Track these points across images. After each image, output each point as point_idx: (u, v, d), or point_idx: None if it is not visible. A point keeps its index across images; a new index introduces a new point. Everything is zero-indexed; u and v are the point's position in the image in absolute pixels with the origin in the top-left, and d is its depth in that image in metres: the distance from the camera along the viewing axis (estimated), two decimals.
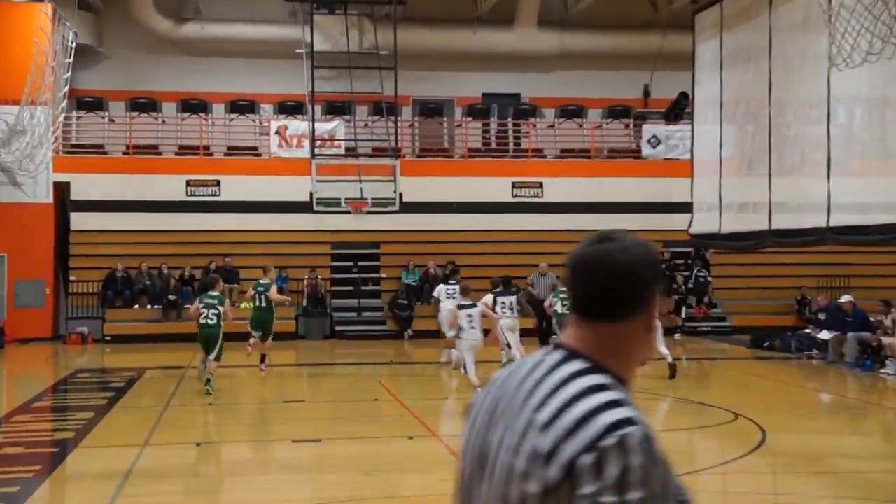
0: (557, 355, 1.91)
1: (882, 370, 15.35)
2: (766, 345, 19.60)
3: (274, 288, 15.70)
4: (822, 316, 18.20)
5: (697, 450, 10.15)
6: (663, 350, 14.40)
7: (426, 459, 9.10)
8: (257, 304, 15.29)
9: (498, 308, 14.56)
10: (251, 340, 15.47)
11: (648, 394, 13.76)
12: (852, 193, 15.21)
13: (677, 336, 22.17)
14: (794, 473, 8.77)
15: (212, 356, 13.31)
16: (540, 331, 20.63)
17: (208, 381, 13.24)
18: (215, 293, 13.62)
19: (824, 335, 17.62)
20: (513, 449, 1.80)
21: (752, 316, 23.12)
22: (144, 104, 24.91)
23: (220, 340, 13.34)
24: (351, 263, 23.58)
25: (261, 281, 15.62)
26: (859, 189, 15.20)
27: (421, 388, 15.15)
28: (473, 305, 13.18)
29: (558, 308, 15.45)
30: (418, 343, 20.24)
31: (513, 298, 15.03)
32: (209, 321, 13.27)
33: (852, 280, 22.36)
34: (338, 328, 22.04)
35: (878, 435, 11.16)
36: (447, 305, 15.91)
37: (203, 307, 13.34)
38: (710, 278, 23.66)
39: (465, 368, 13.32)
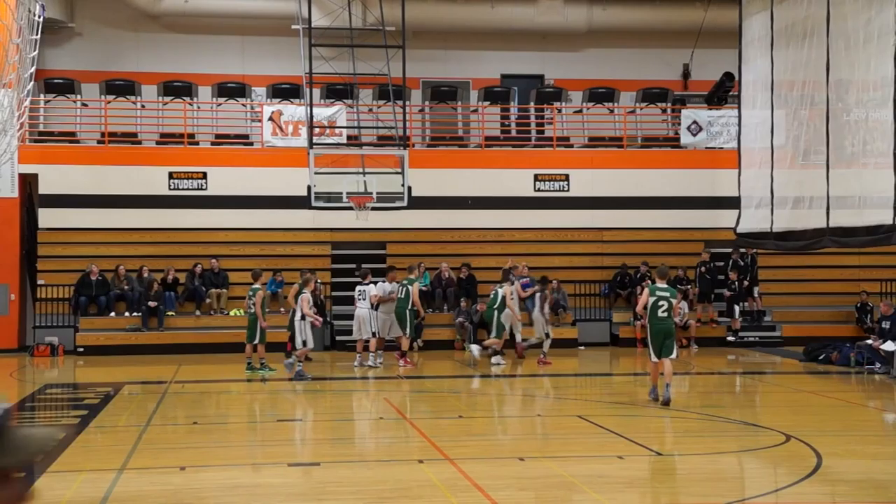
0: None
1: None
2: (821, 358, 19.53)
3: (416, 285, 19.01)
4: (885, 325, 18.12)
5: (745, 476, 10.13)
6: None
7: (438, 486, 9.11)
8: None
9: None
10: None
11: (690, 412, 13.73)
12: None
13: (730, 357, 22.10)
14: (853, 503, 8.74)
15: (253, 342, 17.90)
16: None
17: (249, 365, 17.95)
18: (256, 285, 17.91)
19: (889, 346, 17.53)
20: None
21: (806, 325, 23.08)
22: (121, 87, 25.01)
23: (255, 327, 17.77)
24: (353, 265, 23.61)
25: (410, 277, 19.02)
26: None
27: (431, 406, 15.16)
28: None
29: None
30: (429, 355, 20.27)
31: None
32: (248, 310, 18.14)
33: None
34: (339, 338, 22.08)
35: None
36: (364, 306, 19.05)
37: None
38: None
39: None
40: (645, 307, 13.94)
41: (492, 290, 19.60)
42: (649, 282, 15.50)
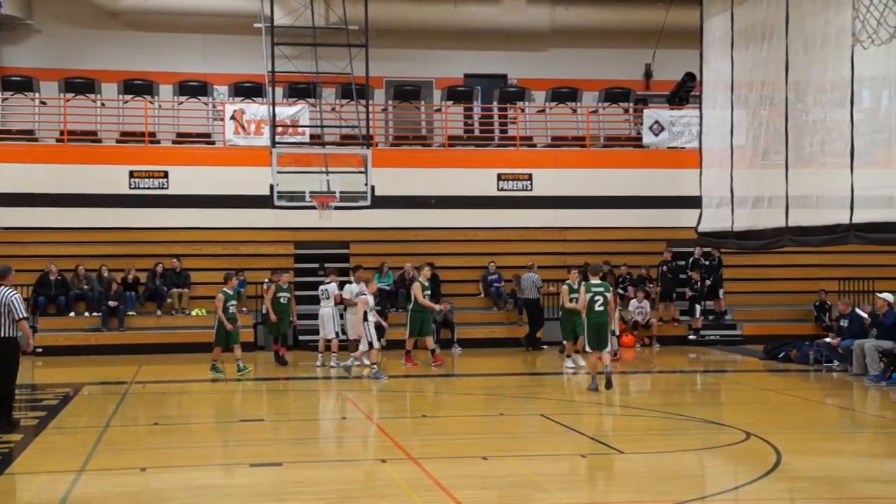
0: None
1: None
2: (780, 356, 19.72)
3: (416, 285, 18.71)
4: (843, 323, 18.32)
5: (705, 473, 10.21)
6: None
7: (401, 485, 9.10)
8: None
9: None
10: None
11: (652, 411, 13.82)
12: (878, 187, 15.32)
13: (691, 356, 22.27)
14: (812, 499, 8.83)
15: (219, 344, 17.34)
16: (531, 336, 21.16)
17: (239, 368, 17.17)
18: (224, 288, 17.22)
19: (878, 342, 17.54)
20: None
21: (766, 324, 23.29)
22: (81, 85, 24.76)
23: (214, 330, 17.27)
24: (316, 265, 23.54)
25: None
26: (886, 182, 15.31)
27: (394, 405, 15.14)
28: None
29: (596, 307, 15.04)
30: (392, 354, 20.22)
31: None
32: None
33: (877, 283, 22.58)
34: (301, 338, 21.99)
35: None
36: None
37: None
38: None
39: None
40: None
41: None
42: (566, 287, 16.85)
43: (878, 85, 15.59)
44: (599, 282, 15.26)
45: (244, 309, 21.98)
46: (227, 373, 17.25)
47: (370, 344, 17.18)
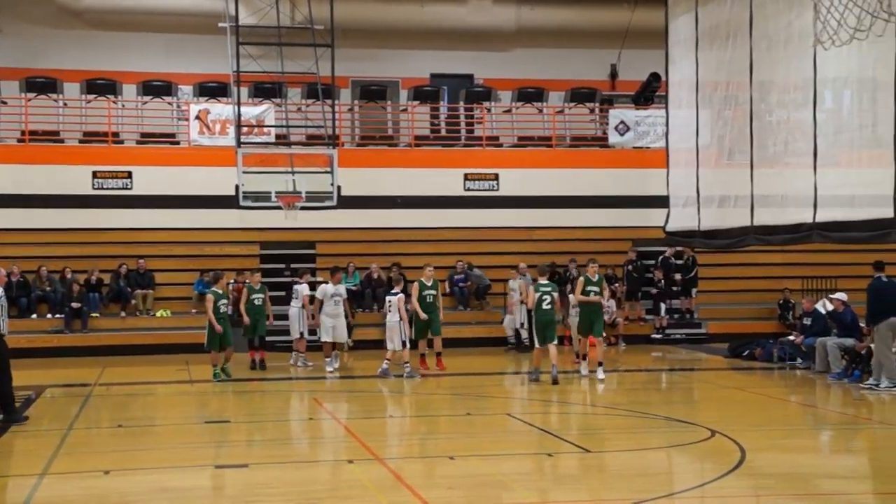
0: None
1: (870, 381, 15.61)
2: (745, 354, 19.90)
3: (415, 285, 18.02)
4: (807, 321, 18.51)
5: (670, 471, 10.27)
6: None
7: (368, 486, 9.09)
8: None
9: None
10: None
11: (616, 409, 13.90)
12: (840, 186, 15.48)
13: (656, 355, 22.39)
14: (776, 496, 8.92)
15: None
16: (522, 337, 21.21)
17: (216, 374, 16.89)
18: (214, 288, 17.02)
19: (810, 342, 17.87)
20: None
21: (731, 322, 23.48)
22: (43, 85, 24.52)
23: (206, 333, 16.90)
24: (282, 265, 23.47)
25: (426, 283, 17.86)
26: (848, 181, 15.47)
27: (361, 406, 15.13)
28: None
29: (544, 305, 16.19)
30: (359, 355, 20.20)
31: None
32: None
33: (840, 282, 22.82)
34: (268, 338, 21.87)
35: (866, 453, 11.39)
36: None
37: None
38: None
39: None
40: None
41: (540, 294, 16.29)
42: (582, 279, 16.75)
43: (840, 86, 15.75)
44: (546, 282, 16.34)
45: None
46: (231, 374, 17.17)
47: (403, 343, 17.05)
